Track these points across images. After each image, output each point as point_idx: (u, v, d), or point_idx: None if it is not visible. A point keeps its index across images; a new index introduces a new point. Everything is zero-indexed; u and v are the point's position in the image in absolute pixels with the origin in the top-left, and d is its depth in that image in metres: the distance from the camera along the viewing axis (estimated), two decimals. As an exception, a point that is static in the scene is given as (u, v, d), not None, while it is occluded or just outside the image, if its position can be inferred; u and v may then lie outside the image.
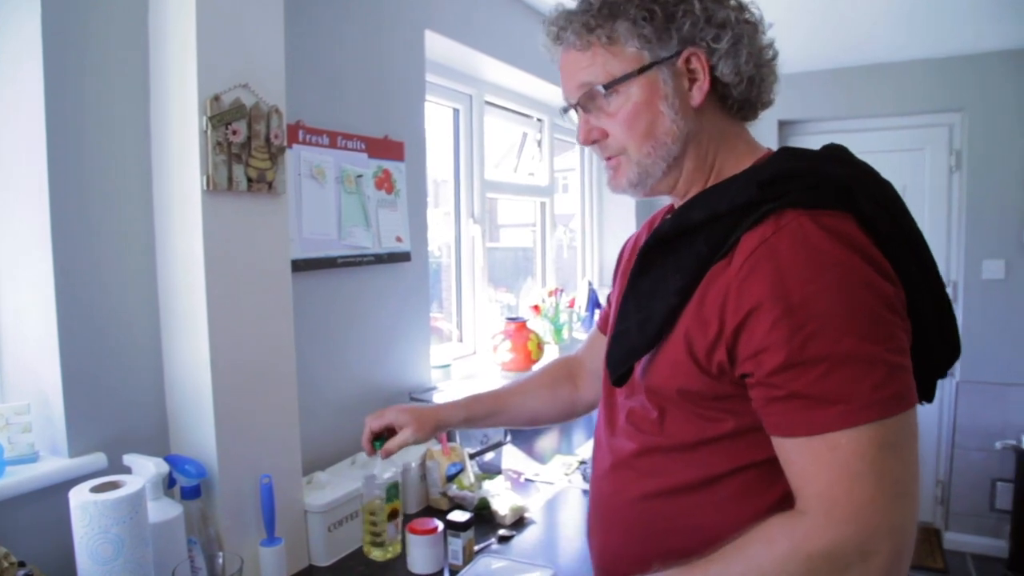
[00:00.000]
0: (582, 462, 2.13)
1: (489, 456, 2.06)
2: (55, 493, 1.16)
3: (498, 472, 2.02)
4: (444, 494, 1.78)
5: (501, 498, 1.74)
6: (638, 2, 0.89)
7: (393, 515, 1.50)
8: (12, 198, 1.24)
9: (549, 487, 1.96)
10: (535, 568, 1.42)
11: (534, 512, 1.77)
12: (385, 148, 1.98)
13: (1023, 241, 3.51)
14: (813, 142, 1.51)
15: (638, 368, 0.94)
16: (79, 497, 1.05)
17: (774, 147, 0.97)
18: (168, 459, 1.26)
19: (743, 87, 0.92)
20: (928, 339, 0.85)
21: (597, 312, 3.25)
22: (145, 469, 1.21)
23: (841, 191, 0.81)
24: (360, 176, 1.88)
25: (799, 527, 0.77)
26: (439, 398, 2.02)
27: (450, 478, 1.81)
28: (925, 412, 2.31)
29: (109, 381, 1.29)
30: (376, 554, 1.50)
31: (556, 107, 3.27)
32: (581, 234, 3.94)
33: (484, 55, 2.48)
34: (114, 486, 1.09)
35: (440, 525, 1.48)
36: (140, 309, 1.34)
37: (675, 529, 0.92)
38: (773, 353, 0.76)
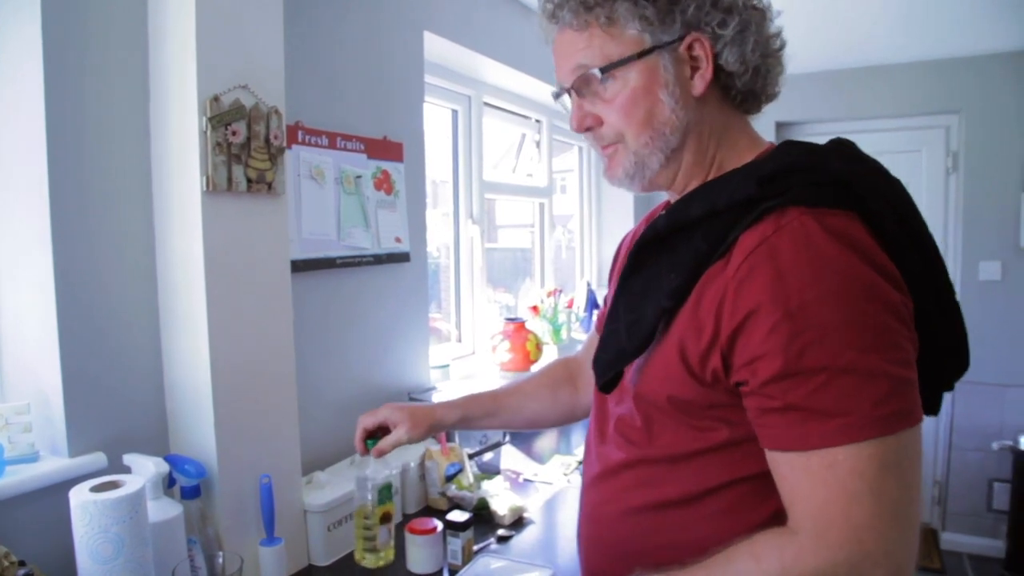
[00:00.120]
0: (580, 462, 2.13)
1: (488, 456, 2.06)
2: (55, 493, 1.16)
3: (497, 472, 2.03)
4: (443, 494, 1.79)
5: (500, 498, 1.74)
6: None
7: (385, 519, 1.41)
8: (12, 198, 1.25)
9: (548, 487, 1.96)
10: (534, 568, 1.42)
11: (533, 512, 1.77)
12: (384, 149, 1.98)
13: (1019, 243, 3.52)
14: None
15: (628, 373, 0.90)
16: (79, 497, 1.05)
17: None
18: (168, 459, 1.26)
19: (748, 77, 0.87)
20: (936, 350, 0.81)
21: (595, 313, 3.26)
22: (145, 469, 1.21)
23: (846, 189, 0.77)
24: (359, 177, 1.88)
25: (789, 547, 0.73)
26: (438, 398, 2.02)
27: (449, 478, 1.81)
28: (922, 412, 2.30)
29: (109, 381, 1.29)
30: (368, 560, 1.42)
31: (554, 108, 3.29)
32: (579, 235, 3.94)
33: (483, 56, 2.48)
34: (114, 486, 1.09)
35: (439, 525, 1.49)
36: (140, 309, 1.34)
37: (664, 544, 0.88)
38: (769, 361, 0.72)
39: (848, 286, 0.71)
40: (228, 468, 1.34)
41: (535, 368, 2.64)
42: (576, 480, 2.00)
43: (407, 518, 1.71)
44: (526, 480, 2.01)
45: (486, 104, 2.84)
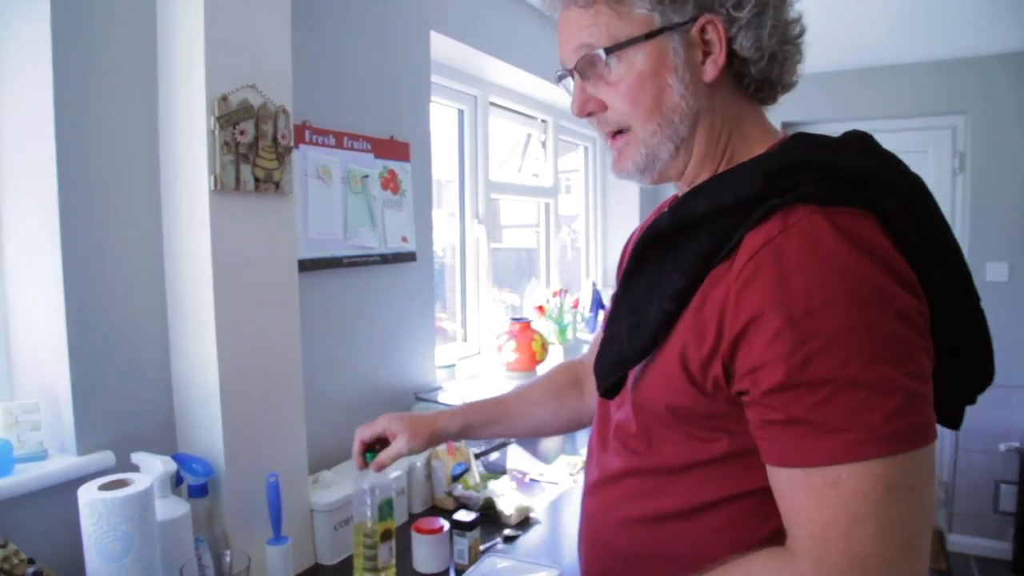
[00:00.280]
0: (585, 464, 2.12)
1: (494, 456, 2.06)
2: (64, 491, 1.16)
3: (503, 472, 2.02)
4: (449, 494, 1.79)
5: (506, 498, 1.74)
6: None
7: (386, 536, 1.31)
8: (21, 198, 1.25)
9: (554, 487, 1.96)
10: (541, 568, 1.42)
11: (539, 512, 1.77)
12: (391, 149, 1.98)
13: (1027, 243, 3.51)
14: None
15: (630, 378, 0.86)
16: (88, 495, 1.06)
17: None
18: (175, 457, 1.27)
19: (763, 64, 0.82)
20: (955, 362, 0.75)
21: (601, 313, 3.26)
22: (153, 467, 1.21)
23: (861, 186, 0.71)
24: (366, 176, 1.89)
25: (787, 569, 0.68)
26: (444, 398, 2.02)
27: (455, 478, 1.82)
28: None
29: (117, 379, 1.29)
30: None
31: (560, 109, 3.29)
32: (585, 235, 3.94)
33: (489, 56, 2.48)
34: (122, 484, 1.09)
35: (446, 525, 1.49)
36: (148, 308, 1.34)
37: (663, 556, 0.84)
38: (771, 370, 0.67)
39: (858, 291, 0.66)
40: (235, 467, 1.34)
41: (541, 368, 2.64)
42: (582, 480, 2.00)
43: (413, 517, 1.72)
44: (532, 480, 2.01)
45: (492, 104, 2.84)
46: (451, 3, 2.27)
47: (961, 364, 0.76)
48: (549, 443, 2.36)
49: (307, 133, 1.71)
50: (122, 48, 1.28)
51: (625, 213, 3.96)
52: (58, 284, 1.20)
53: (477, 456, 1.95)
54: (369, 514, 1.28)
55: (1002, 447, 3.56)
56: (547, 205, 3.44)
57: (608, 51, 0.81)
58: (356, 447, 1.20)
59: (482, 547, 1.55)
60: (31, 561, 1.05)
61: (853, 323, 0.65)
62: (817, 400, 0.65)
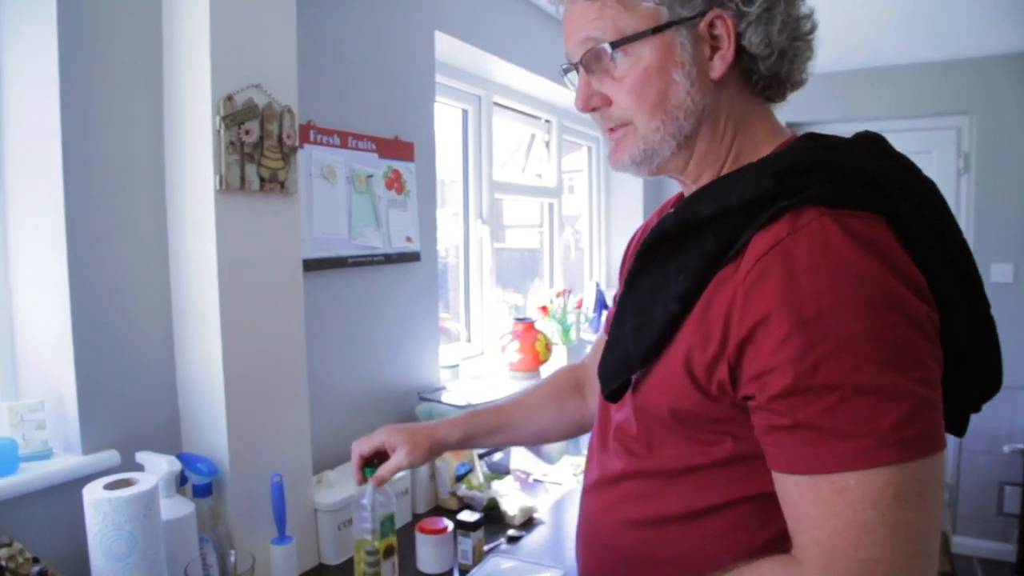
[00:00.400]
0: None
1: (498, 456, 2.06)
2: (69, 490, 1.16)
3: (507, 472, 2.02)
4: (453, 494, 1.79)
5: (510, 498, 1.74)
6: None
7: (389, 552, 1.29)
8: (27, 199, 1.25)
9: (558, 488, 1.96)
10: (544, 568, 1.42)
11: (543, 513, 1.77)
12: (395, 148, 1.98)
13: (1032, 244, 3.50)
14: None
15: (631, 381, 0.85)
16: (93, 494, 1.06)
17: None
18: (180, 457, 1.27)
19: (773, 61, 0.80)
20: (963, 368, 0.74)
21: (604, 313, 3.25)
22: (158, 467, 1.21)
23: (872, 188, 0.70)
24: (371, 176, 1.89)
25: None
26: (448, 398, 2.02)
27: (459, 478, 1.82)
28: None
29: (122, 379, 1.29)
30: None
31: (564, 109, 3.29)
32: (588, 235, 3.94)
33: (493, 56, 2.48)
34: (127, 483, 1.09)
35: (450, 525, 1.49)
36: (153, 308, 1.35)
37: (662, 559, 0.83)
38: (779, 374, 0.66)
39: (868, 295, 0.64)
40: (240, 466, 1.34)
41: (544, 369, 2.64)
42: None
43: (417, 518, 1.72)
44: (536, 480, 2.01)
45: (496, 104, 2.84)
46: (455, 3, 2.27)
47: (969, 370, 0.75)
48: (553, 443, 2.36)
49: (312, 133, 1.71)
50: (127, 48, 1.28)
51: (629, 213, 3.95)
52: (63, 283, 1.21)
53: (481, 456, 1.95)
54: (370, 530, 1.24)
55: (1006, 449, 3.55)
56: (551, 205, 3.44)
57: (614, 45, 0.80)
58: (354, 462, 1.17)
59: (486, 547, 1.55)
60: (36, 560, 1.05)
61: (863, 327, 0.64)
62: (825, 406, 0.64)
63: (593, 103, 0.85)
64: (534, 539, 1.63)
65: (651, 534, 0.84)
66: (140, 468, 1.23)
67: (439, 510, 1.78)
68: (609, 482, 0.91)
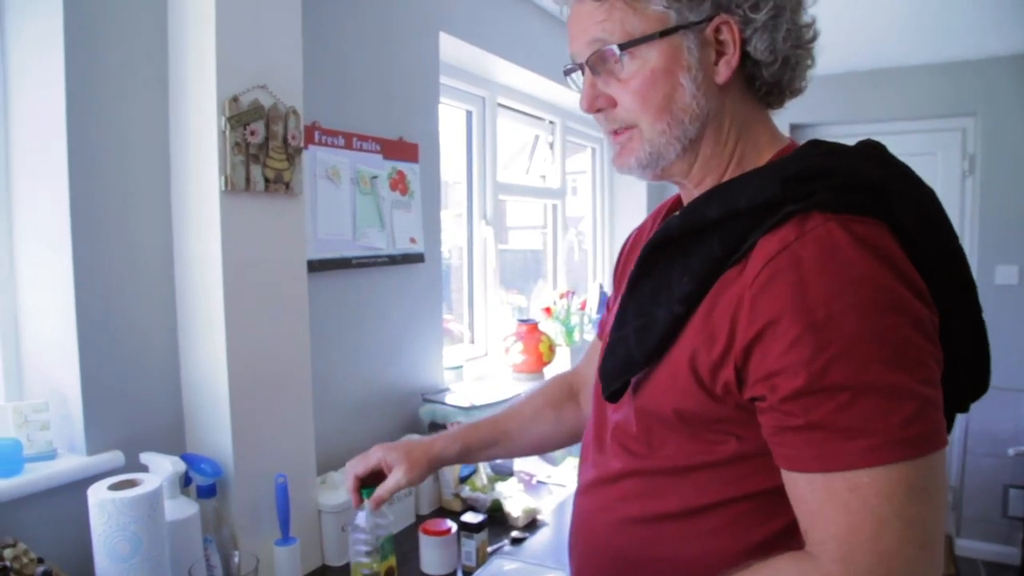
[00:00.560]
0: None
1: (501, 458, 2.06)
2: (73, 490, 1.16)
3: (510, 474, 2.02)
4: (457, 495, 1.79)
5: (514, 500, 1.74)
6: None
7: (389, 575, 1.24)
8: (32, 201, 1.25)
9: (561, 489, 1.96)
10: (548, 570, 1.41)
11: (546, 514, 1.77)
12: (400, 150, 1.98)
13: (1037, 246, 3.49)
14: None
15: (631, 382, 0.85)
16: (97, 495, 1.06)
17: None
18: (184, 458, 1.27)
19: (776, 68, 0.81)
20: (957, 370, 0.76)
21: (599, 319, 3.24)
22: (162, 467, 1.22)
23: (876, 195, 0.72)
24: (375, 177, 1.89)
25: (813, 574, 0.68)
26: (451, 399, 2.02)
27: (463, 479, 1.81)
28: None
29: (126, 380, 1.29)
30: None
31: (568, 110, 3.29)
32: (592, 236, 3.93)
33: (497, 57, 2.48)
34: (132, 484, 1.09)
35: (453, 526, 1.48)
36: (158, 309, 1.35)
37: (659, 557, 0.83)
38: (791, 376, 0.67)
39: (875, 297, 0.66)
40: (244, 467, 1.34)
41: (548, 370, 2.63)
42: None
43: (420, 519, 1.71)
44: (539, 482, 2.01)
45: (500, 105, 2.84)
46: (460, 4, 2.27)
47: (962, 372, 0.78)
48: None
49: (317, 134, 1.71)
50: (133, 48, 1.29)
51: (632, 215, 3.95)
52: (68, 284, 1.21)
53: (484, 458, 1.95)
54: (365, 552, 1.19)
55: (1011, 451, 3.54)
56: (554, 206, 3.43)
57: (622, 47, 0.80)
58: (350, 484, 1.14)
59: (489, 549, 1.55)
60: (40, 560, 1.05)
61: (871, 329, 0.66)
62: (837, 406, 0.66)
63: (598, 104, 0.85)
64: (538, 541, 1.63)
65: (650, 531, 0.84)
66: (144, 469, 1.23)
67: (443, 512, 1.78)
68: (607, 481, 0.90)
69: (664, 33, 0.79)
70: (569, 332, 3.03)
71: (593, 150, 3.90)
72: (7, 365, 1.29)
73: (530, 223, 3.53)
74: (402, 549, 1.52)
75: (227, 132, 1.27)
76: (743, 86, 0.84)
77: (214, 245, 1.30)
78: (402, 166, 1.99)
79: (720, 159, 0.85)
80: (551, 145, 3.39)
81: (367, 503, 1.12)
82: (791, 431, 0.69)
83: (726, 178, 0.85)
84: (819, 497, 0.68)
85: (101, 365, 1.25)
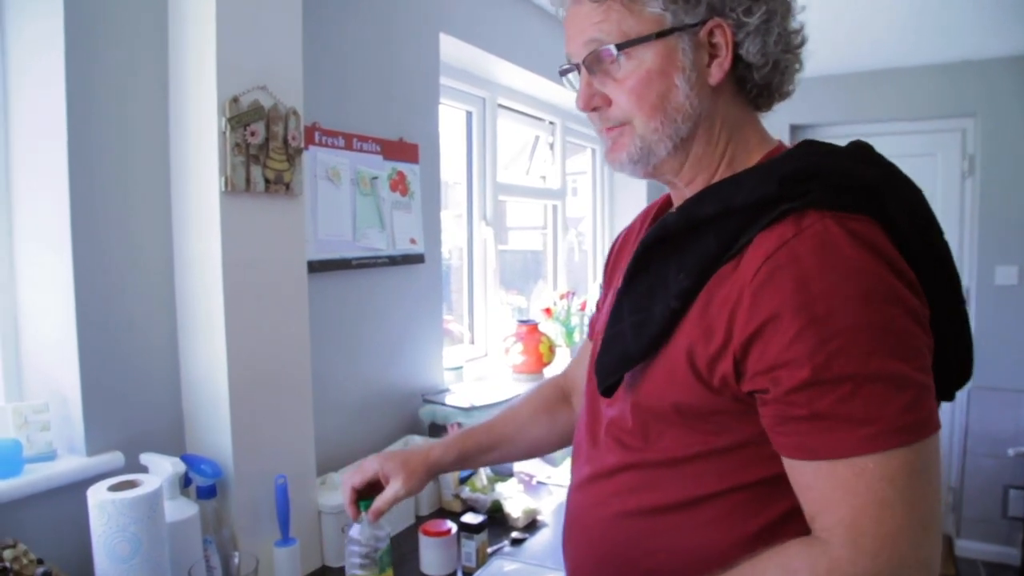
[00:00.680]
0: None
1: (501, 459, 2.05)
2: (73, 491, 1.16)
3: (510, 475, 2.02)
4: (457, 496, 1.78)
5: (514, 501, 1.74)
6: None
7: None
8: (32, 201, 1.25)
9: (561, 490, 1.95)
10: (548, 571, 1.42)
11: (546, 515, 1.77)
12: (400, 150, 1.98)
13: (1037, 247, 3.49)
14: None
15: (625, 377, 0.86)
16: (97, 496, 1.06)
17: None
18: (184, 458, 1.26)
19: (767, 71, 0.84)
20: (944, 359, 0.78)
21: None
22: (162, 468, 1.21)
23: (870, 195, 0.75)
24: (375, 178, 1.89)
25: (822, 559, 0.70)
26: (452, 400, 2.02)
27: (463, 480, 1.81)
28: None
29: (126, 381, 1.29)
30: None
31: (568, 111, 3.29)
32: (592, 237, 3.93)
33: (497, 58, 2.48)
34: (131, 485, 1.09)
35: (453, 527, 1.48)
36: (158, 309, 1.35)
37: (656, 549, 0.84)
38: (795, 369, 0.69)
39: (873, 291, 0.70)
40: (244, 468, 1.34)
41: (548, 371, 2.63)
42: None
43: (420, 520, 1.71)
44: (539, 483, 2.01)
45: (500, 106, 2.84)
46: (460, 5, 2.27)
47: (951, 360, 0.81)
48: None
49: (317, 135, 1.71)
50: (133, 49, 1.29)
51: (632, 215, 3.90)
52: (68, 285, 1.21)
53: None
54: (359, 565, 1.16)
55: (1011, 452, 3.54)
56: (554, 207, 3.43)
57: (619, 47, 0.82)
58: (347, 497, 1.13)
59: (489, 550, 1.54)
60: (40, 561, 1.05)
61: (870, 321, 0.69)
62: (840, 396, 0.68)
63: (594, 103, 0.87)
64: (538, 541, 1.63)
65: (647, 524, 0.86)
66: (144, 470, 1.22)
67: (442, 512, 1.78)
68: (602, 476, 0.91)
69: (660, 34, 0.81)
70: (569, 333, 3.04)
71: (593, 151, 3.90)
72: (7, 366, 1.29)
73: (530, 224, 3.53)
74: (402, 550, 1.52)
75: (227, 133, 1.27)
76: (734, 88, 0.86)
77: (214, 246, 1.29)
78: (402, 167, 1.99)
79: (711, 159, 0.87)
80: (551, 146, 3.39)
81: (365, 515, 1.10)
82: (795, 421, 0.71)
83: (717, 178, 0.87)
84: (825, 484, 0.71)
85: (101, 366, 1.25)
